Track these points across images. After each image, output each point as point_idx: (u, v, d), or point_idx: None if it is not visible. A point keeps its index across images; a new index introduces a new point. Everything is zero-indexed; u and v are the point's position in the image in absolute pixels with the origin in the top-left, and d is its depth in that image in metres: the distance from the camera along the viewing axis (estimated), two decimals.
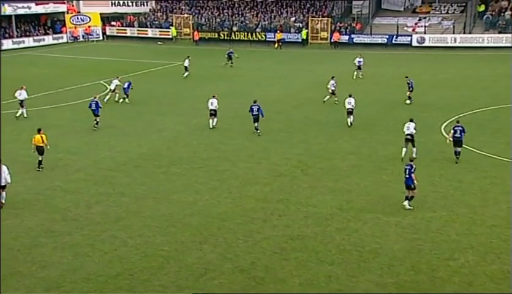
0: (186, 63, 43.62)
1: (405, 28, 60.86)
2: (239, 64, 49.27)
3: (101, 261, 15.28)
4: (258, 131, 27.21)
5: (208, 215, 18.10)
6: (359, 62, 41.98)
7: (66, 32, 69.92)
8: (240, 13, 70.31)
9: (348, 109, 27.87)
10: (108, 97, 34.94)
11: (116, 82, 35.16)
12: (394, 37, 59.41)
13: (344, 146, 25.30)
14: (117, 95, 34.97)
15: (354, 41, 60.82)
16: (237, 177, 21.61)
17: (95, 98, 29.10)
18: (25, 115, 30.97)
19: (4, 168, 18.61)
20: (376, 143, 25.54)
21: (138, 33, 71.68)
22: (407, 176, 18.17)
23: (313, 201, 19.06)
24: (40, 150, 22.25)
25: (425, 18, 61.90)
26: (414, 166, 18.25)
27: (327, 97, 33.38)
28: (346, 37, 61.39)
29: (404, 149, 23.12)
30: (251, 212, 18.30)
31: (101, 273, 14.64)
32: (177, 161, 23.65)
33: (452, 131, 22.70)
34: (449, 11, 62.50)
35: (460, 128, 22.49)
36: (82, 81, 40.11)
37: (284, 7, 69.20)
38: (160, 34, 70.12)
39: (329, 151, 24.65)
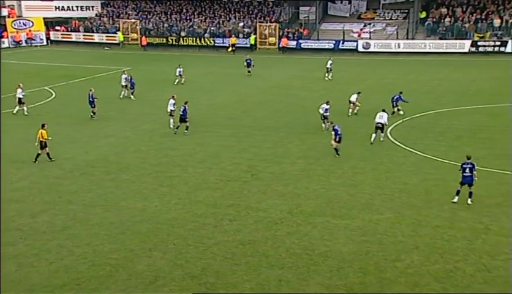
0: (178, 72, 42.81)
1: (351, 34, 62.09)
2: (187, 70, 48.99)
3: (46, 271, 14.87)
4: (186, 132, 28.06)
5: (158, 222, 17.91)
6: (330, 64, 43.48)
7: (7, 37, 67.84)
8: (188, 18, 70.04)
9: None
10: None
11: (125, 77, 38.22)
12: (341, 42, 60.48)
13: (293, 151, 25.53)
14: (125, 91, 37.72)
15: (302, 46, 61.55)
16: (187, 183, 21.48)
17: (91, 90, 31.76)
18: (25, 112, 32.60)
19: None
20: (325, 147, 25.87)
21: (83, 39, 70.33)
22: (468, 173, 18.69)
23: (263, 206, 19.14)
24: (43, 144, 23.70)
25: (370, 24, 63.37)
26: (475, 164, 18.82)
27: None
28: (294, 42, 62.07)
29: (374, 135, 26.02)
30: (201, 217, 18.22)
31: (47, 284, 14.24)
32: (126, 167, 23.30)
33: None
34: (393, 18, 64.18)
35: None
36: (25, 87, 38.86)
37: (232, 12, 69.41)
38: (107, 39, 69.01)
39: (278, 156, 24.81)
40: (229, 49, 61.41)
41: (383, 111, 26.80)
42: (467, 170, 18.86)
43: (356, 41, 60.21)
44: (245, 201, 19.59)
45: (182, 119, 28.20)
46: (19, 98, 32.76)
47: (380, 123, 26.35)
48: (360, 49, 59.15)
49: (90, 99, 31.68)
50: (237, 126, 30.17)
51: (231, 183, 21.45)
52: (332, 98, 37.14)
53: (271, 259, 15.41)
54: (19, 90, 33.05)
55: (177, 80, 42.92)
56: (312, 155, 24.71)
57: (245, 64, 47.03)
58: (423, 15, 61.55)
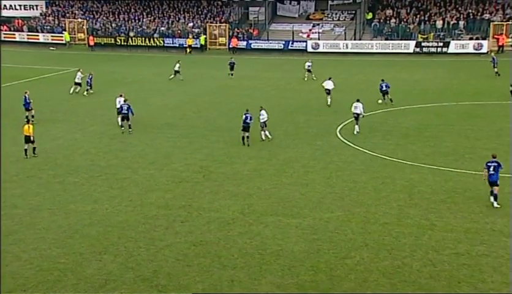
0: (177, 67, 43.76)
1: (300, 34, 62.75)
2: (137, 70, 48.41)
3: None
4: (130, 130, 28.04)
5: (108, 225, 17.61)
6: (308, 66, 43.44)
7: None
8: (137, 18, 69.12)
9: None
10: (72, 89, 37.88)
11: (79, 75, 38.22)
12: (290, 42, 61.01)
13: (245, 151, 25.57)
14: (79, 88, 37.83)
15: (252, 46, 61.75)
16: (138, 185, 21.20)
17: (26, 92, 30.94)
18: None
19: None
20: (276, 147, 26.05)
21: (28, 38, 68.35)
22: (493, 172, 18.34)
23: (215, 206, 19.10)
24: (28, 139, 24.31)
25: (318, 24, 64.19)
26: (501, 163, 18.61)
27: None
28: (244, 43, 62.20)
29: (356, 126, 27.46)
30: (153, 219, 18.03)
31: None
32: (74, 170, 22.81)
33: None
34: (341, 18, 65.24)
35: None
36: None
37: (182, 12, 68.94)
38: (53, 39, 67.29)
39: (230, 156, 24.81)
40: (188, 50, 60.89)
41: (358, 101, 27.89)
42: (491, 169, 18.34)
43: (305, 41, 60.86)
44: (197, 202, 19.50)
45: (125, 117, 28.09)
46: None
47: (355, 113, 27.52)
48: (309, 49, 59.77)
49: (26, 102, 30.59)
50: (189, 127, 29.99)
51: (183, 184, 21.32)
52: (283, 98, 37.39)
53: (223, 259, 15.40)
54: None
55: (172, 76, 43.54)
56: (264, 155, 24.82)
57: (228, 66, 45.26)
58: (369, 16, 62.87)
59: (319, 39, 60.90)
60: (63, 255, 15.62)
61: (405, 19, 60.81)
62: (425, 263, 15.12)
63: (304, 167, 23.18)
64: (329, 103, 33.98)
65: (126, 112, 27.99)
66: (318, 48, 59.73)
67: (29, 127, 24.59)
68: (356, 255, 15.64)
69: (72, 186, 21.06)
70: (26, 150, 24.50)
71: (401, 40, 58.23)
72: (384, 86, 34.10)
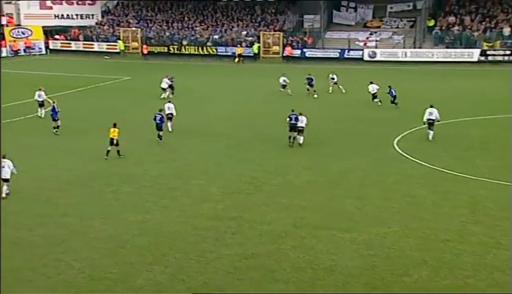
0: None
1: (357, 42, 62.20)
2: (190, 78, 49.16)
3: (44, 286, 14.82)
4: (161, 140, 28.35)
5: (159, 235, 17.86)
6: (332, 79, 42.41)
7: (5, 46, 68.15)
8: (190, 26, 70.32)
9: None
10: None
11: (166, 81, 39.94)
12: (346, 51, 60.57)
13: (298, 161, 25.49)
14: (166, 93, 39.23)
15: (307, 55, 61.65)
16: (189, 195, 21.45)
17: (54, 103, 31.32)
18: (42, 115, 34.03)
19: (9, 162, 21.13)
20: (330, 158, 25.86)
21: (83, 47, 70.58)
22: None
23: (267, 219, 19.08)
24: (113, 141, 25.83)
25: (376, 32, 63.49)
26: None
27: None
28: (299, 51, 62.20)
29: (430, 132, 27.76)
30: (203, 230, 18.17)
31: None
32: (126, 179, 23.29)
33: None
34: (399, 26, 64.32)
35: None
36: (23, 97, 39.06)
37: (235, 20, 69.67)
38: (107, 48, 69.26)
39: (282, 167, 24.78)
40: (237, 60, 61.51)
41: (431, 106, 28.03)
42: None
43: (362, 50, 60.28)
44: (248, 213, 19.54)
45: (159, 127, 28.48)
46: (42, 102, 34.48)
47: (430, 119, 27.68)
48: (366, 58, 59.19)
49: (54, 112, 30.68)
50: (240, 136, 30.18)
51: (234, 195, 21.42)
52: (338, 107, 37.10)
53: (275, 273, 15.34)
54: (40, 93, 34.75)
55: (281, 89, 41.62)
56: (317, 167, 24.67)
57: (305, 82, 41.45)
58: (431, 23, 61.64)
59: (376, 47, 60.23)
60: (114, 264, 15.94)
61: (469, 26, 59.35)
62: (490, 284, 14.61)
63: (359, 179, 22.90)
64: (379, 103, 36.10)
65: (159, 122, 28.40)
66: (375, 57, 59.07)
67: (114, 130, 25.89)
68: (414, 272, 15.27)
69: (124, 195, 21.51)
70: (108, 151, 25.77)
71: (464, 48, 56.84)
72: (394, 92, 36.06)
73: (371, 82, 37.31)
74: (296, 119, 27.08)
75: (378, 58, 58.84)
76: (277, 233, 17.92)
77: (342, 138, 29.43)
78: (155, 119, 28.42)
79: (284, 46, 62.86)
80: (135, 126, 32.89)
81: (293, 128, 27.16)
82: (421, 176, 23.14)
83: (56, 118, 30.67)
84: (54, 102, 31.59)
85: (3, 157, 21.34)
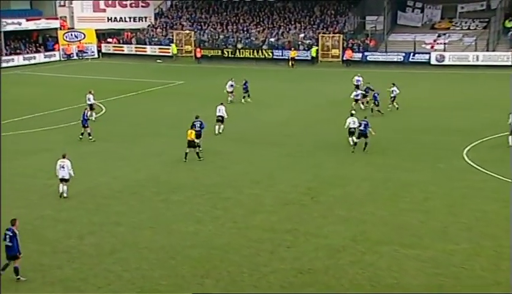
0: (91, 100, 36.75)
1: (423, 45, 61.16)
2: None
3: None
4: (200, 149, 27.70)
5: (210, 247, 18.07)
6: (357, 81, 41.14)
7: (59, 50, 70.61)
8: (245, 29, 70.88)
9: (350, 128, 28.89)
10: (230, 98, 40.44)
11: (231, 83, 41.50)
12: (411, 54, 59.69)
13: (358, 172, 25.29)
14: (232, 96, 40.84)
15: (368, 59, 61.14)
16: (242, 205, 21.61)
17: (85, 110, 32.52)
18: (93, 118, 34.92)
19: (68, 162, 22.29)
20: (393, 169, 25.52)
21: (135, 51, 72.30)
22: None
23: (324, 232, 19.00)
24: (191, 143, 26.87)
25: (444, 34, 62.24)
26: None
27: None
28: (360, 55, 61.75)
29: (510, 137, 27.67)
30: (257, 243, 18.26)
31: None
32: (177, 188, 23.68)
33: None
34: (471, 27, 62.79)
35: None
36: (75, 102, 40.36)
37: (292, 22, 69.76)
38: (160, 51, 70.68)
39: (341, 177, 24.64)
40: (290, 63, 61.68)
41: None
42: None
43: (429, 53, 59.26)
44: (304, 226, 19.51)
45: (198, 135, 27.90)
46: (90, 105, 35.67)
47: None
48: (433, 62, 58.18)
49: (84, 118, 30.98)
50: (295, 144, 30.18)
51: (289, 206, 21.43)
52: (401, 115, 36.59)
53: (332, 290, 15.26)
54: (89, 96, 36.09)
55: (363, 106, 37.88)
56: (379, 177, 24.39)
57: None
58: (510, 24, 59.76)
59: (445, 50, 59.03)
60: (164, 276, 16.21)
61: None
62: None
63: (423, 192, 22.50)
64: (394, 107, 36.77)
65: (199, 129, 28.13)
66: (443, 61, 57.97)
67: (191, 132, 26.92)
68: None
69: (175, 205, 21.87)
70: (186, 153, 26.69)
71: None
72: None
73: (393, 84, 37.55)
74: (366, 126, 27.84)
75: (446, 62, 57.72)
76: (335, 247, 17.81)
77: (405, 148, 29.00)
78: (193, 127, 27.91)
79: (344, 49, 62.52)
80: (184, 131, 33.39)
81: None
82: (492, 190, 22.52)
83: (86, 125, 30.92)
84: (85, 109, 32.65)
85: (63, 157, 22.57)
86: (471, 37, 60.48)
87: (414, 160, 26.83)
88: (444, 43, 60.14)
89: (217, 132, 31.07)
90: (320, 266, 16.66)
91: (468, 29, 62.83)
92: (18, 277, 15.97)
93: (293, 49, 63.40)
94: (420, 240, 18.16)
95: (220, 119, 31.53)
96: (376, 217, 20.17)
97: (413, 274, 16.02)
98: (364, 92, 38.31)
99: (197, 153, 26.95)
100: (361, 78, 41.56)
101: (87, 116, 31.62)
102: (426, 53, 59.49)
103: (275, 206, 21.43)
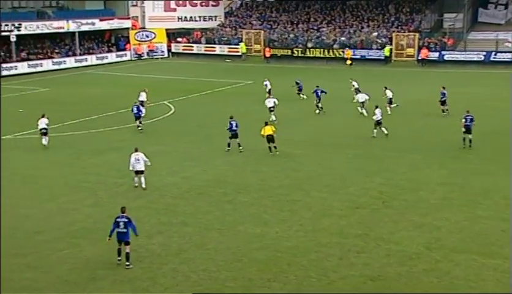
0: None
1: (506, 44, 59.16)
2: (311, 83, 49.27)
3: None
4: (241, 148, 28.84)
5: (278, 250, 18.08)
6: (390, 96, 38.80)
7: (130, 49, 72.56)
8: (316, 28, 70.62)
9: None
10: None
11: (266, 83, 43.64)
12: (493, 53, 57.95)
13: (432, 176, 24.73)
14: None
15: (445, 58, 59.78)
16: (310, 208, 21.53)
17: (135, 103, 34.89)
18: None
19: (142, 155, 23.73)
20: (471, 173, 24.80)
21: (205, 50, 73.38)
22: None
23: (396, 238, 18.67)
24: (270, 138, 28.29)
25: None
26: None
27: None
28: (436, 54, 60.44)
29: None
30: (325, 247, 18.14)
31: None
32: (244, 189, 23.85)
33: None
34: None
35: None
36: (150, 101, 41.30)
37: (365, 21, 68.98)
38: (229, 51, 71.47)
39: (414, 181, 24.15)
40: (349, 62, 61.67)
41: None
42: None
43: None
44: (375, 231, 19.23)
45: (234, 135, 29.13)
46: (142, 102, 37.02)
47: None
48: None
49: (136, 111, 34.02)
50: (366, 146, 29.82)
51: (359, 210, 21.19)
52: (481, 117, 35.49)
53: None
54: (143, 93, 38.07)
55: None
56: (455, 182, 23.76)
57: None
58: None
59: None
60: (231, 278, 16.35)
61: None
62: None
63: (505, 199, 21.71)
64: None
65: (235, 129, 29.06)
66: None
67: (269, 128, 28.31)
68: None
69: (242, 206, 22.03)
70: (269, 148, 28.24)
71: None
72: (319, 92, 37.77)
73: (386, 88, 38.14)
74: (471, 120, 28.17)
75: None
76: (408, 254, 17.48)
77: (483, 152, 28.14)
78: (230, 129, 29.09)
79: (420, 48, 61.33)
80: (255, 133, 33.55)
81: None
82: None
83: (139, 115, 33.84)
84: (136, 102, 35.02)
85: (136, 151, 24.01)
86: None
87: (494, 164, 25.97)
88: None
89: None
90: (391, 273, 16.38)
91: None
92: (128, 263, 16.95)
93: (347, 48, 63.42)
94: (500, 249, 17.55)
95: (272, 110, 35.12)
96: (452, 224, 19.66)
97: (492, 285, 15.53)
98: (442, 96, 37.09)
99: (274, 146, 28.26)
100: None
101: (137, 110, 33.92)
102: (509, 52, 57.54)
103: (344, 210, 21.24)
